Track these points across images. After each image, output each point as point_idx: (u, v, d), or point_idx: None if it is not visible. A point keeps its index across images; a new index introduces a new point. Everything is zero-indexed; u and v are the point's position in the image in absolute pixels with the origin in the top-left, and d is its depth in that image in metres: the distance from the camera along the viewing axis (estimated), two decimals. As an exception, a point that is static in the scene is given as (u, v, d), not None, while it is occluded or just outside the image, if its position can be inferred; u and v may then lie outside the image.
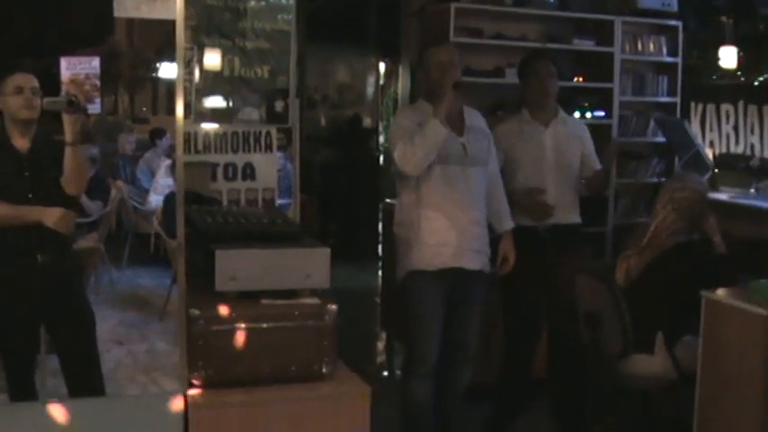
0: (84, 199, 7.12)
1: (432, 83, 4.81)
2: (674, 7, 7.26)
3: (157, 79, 15.23)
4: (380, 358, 7.47)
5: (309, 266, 3.49)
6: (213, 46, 4.57)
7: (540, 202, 5.25)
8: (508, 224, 5.06)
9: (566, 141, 5.40)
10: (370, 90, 12.66)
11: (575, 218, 5.46)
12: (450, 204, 4.73)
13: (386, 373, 6.97)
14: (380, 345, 7.72)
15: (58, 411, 3.31)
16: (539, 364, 5.49)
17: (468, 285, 4.82)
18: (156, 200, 9.91)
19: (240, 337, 3.36)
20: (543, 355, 5.50)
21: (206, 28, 4.51)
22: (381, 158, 12.15)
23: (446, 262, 4.73)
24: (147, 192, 10.62)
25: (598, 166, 5.49)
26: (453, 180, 4.74)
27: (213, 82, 4.57)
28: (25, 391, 4.58)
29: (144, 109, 16.16)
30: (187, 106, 4.34)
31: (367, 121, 12.49)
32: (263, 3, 4.61)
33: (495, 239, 5.02)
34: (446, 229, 4.72)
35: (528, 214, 5.26)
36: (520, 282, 5.12)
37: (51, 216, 4.37)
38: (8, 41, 3.40)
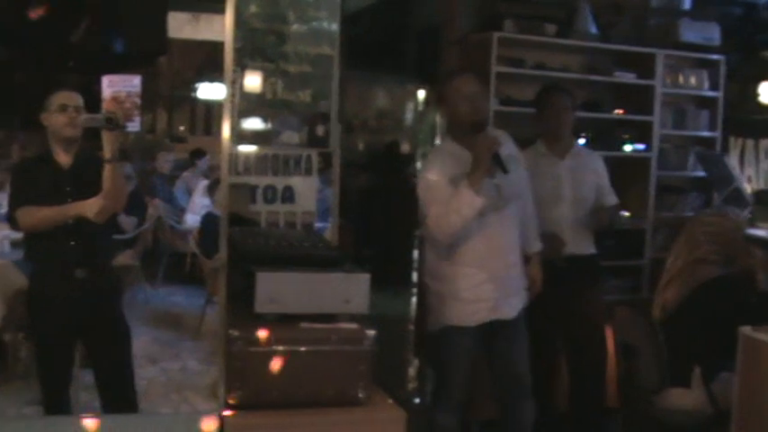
0: (121, 215, 7.17)
1: (457, 118, 4.55)
2: (717, 41, 7.24)
3: (196, 99, 15.34)
4: (412, 384, 7.46)
5: (349, 291, 3.51)
6: (257, 69, 4.59)
7: (553, 237, 5.24)
8: (536, 246, 4.95)
9: (581, 173, 5.42)
10: (408, 116, 12.67)
11: (590, 249, 5.48)
12: (486, 257, 4.56)
13: (418, 400, 6.96)
14: (412, 371, 7.70)
15: (94, 426, 3.33)
16: (560, 397, 5.48)
17: (510, 328, 4.68)
18: (192, 219, 9.96)
19: (278, 360, 3.37)
20: (565, 387, 5.49)
21: (250, 51, 4.54)
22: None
23: (484, 317, 4.58)
24: (183, 211, 10.68)
25: (612, 199, 5.53)
26: (489, 230, 4.53)
27: (255, 104, 4.60)
28: (60, 404, 4.60)
29: (182, 128, 16.28)
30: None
31: (405, 148, 12.49)
32: (306, 27, 4.64)
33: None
34: (483, 283, 4.56)
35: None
36: (537, 313, 5.11)
37: (91, 208, 4.38)
38: (63, 58, 3.45)
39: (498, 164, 4.39)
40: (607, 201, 5.53)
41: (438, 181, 4.48)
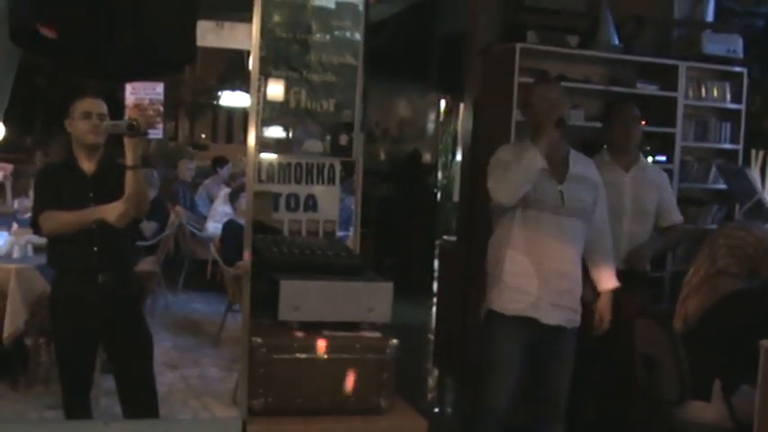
0: (143, 221, 7.21)
1: (537, 120, 4.60)
2: (740, 54, 7.22)
3: (218, 107, 15.40)
4: (431, 394, 7.47)
5: (372, 300, 3.52)
6: (280, 77, 4.60)
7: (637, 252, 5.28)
8: (608, 283, 4.88)
9: (645, 188, 5.41)
10: (430, 126, 12.68)
11: (645, 265, 5.48)
12: (536, 251, 4.56)
13: (437, 410, 6.96)
14: (432, 381, 7.71)
15: (117, 430, 3.35)
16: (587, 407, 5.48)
17: (556, 341, 4.64)
18: (213, 227, 9.99)
19: (301, 367, 3.38)
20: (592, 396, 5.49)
21: (274, 59, 4.55)
22: (439, 195, 12.14)
23: (522, 310, 4.55)
24: (204, 218, 10.71)
25: (676, 217, 5.52)
26: (545, 227, 4.55)
27: (279, 113, 4.60)
28: (81, 409, 4.62)
29: (203, 136, 16.34)
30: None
31: (426, 157, 12.50)
32: (329, 37, 4.65)
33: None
34: (528, 275, 4.55)
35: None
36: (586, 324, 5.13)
37: (112, 212, 4.40)
38: (91, 66, 3.46)
39: (561, 125, 4.54)
40: (671, 218, 5.53)
41: (503, 156, 4.63)
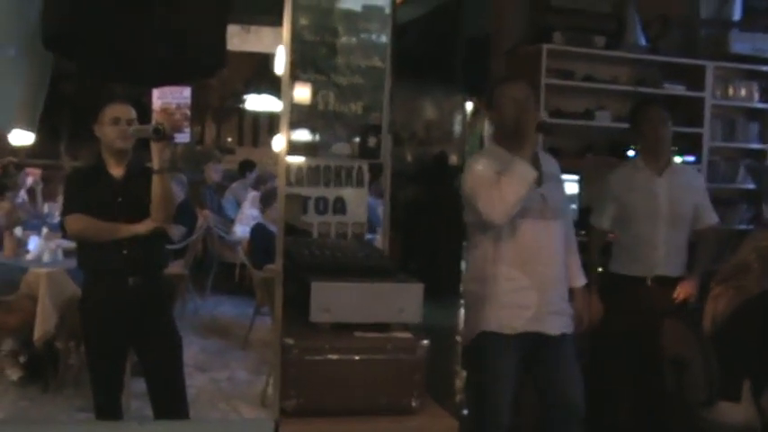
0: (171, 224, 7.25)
1: (506, 123, 4.38)
2: (767, 53, 7.20)
3: (244, 111, 15.43)
4: (459, 396, 7.46)
5: (403, 301, 3.52)
6: (308, 81, 4.62)
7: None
8: (580, 280, 4.73)
9: (680, 191, 5.33)
10: (456, 128, 12.66)
11: (681, 270, 5.39)
12: (530, 262, 4.36)
13: (466, 411, 6.95)
14: (459, 382, 7.70)
15: (150, 431, 3.39)
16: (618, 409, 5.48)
17: (557, 346, 4.45)
18: (241, 230, 10.02)
19: (332, 368, 3.39)
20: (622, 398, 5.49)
21: (301, 63, 4.56)
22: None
23: (525, 326, 4.35)
24: (232, 222, 10.75)
25: (712, 218, 5.46)
26: (533, 235, 4.36)
27: (307, 116, 4.62)
28: (111, 411, 4.65)
29: (229, 140, 16.39)
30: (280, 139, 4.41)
31: (453, 159, 12.47)
32: (356, 40, 4.66)
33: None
34: (526, 289, 4.34)
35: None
36: (618, 328, 5.15)
37: (142, 229, 4.51)
38: (122, 71, 3.50)
39: (543, 129, 4.45)
40: (706, 220, 5.46)
41: (485, 171, 4.32)
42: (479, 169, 4.38)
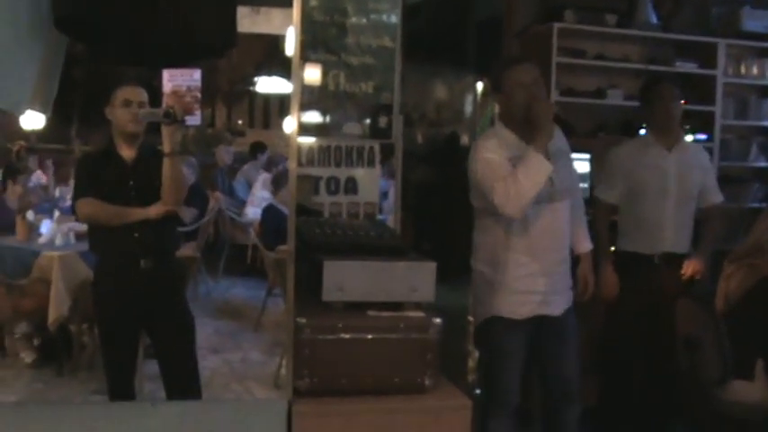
0: (182, 206, 7.25)
1: (514, 110, 4.27)
2: (779, 30, 7.18)
3: (254, 93, 15.40)
4: (472, 376, 7.47)
5: (416, 280, 3.53)
6: (319, 61, 4.62)
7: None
8: (586, 246, 4.75)
9: (688, 169, 5.29)
10: (467, 108, 12.64)
11: (688, 247, 5.36)
12: (540, 248, 4.35)
13: (478, 391, 6.96)
14: (472, 362, 7.71)
15: (164, 412, 3.40)
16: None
17: (560, 324, 4.49)
18: (252, 212, 10.02)
19: (345, 348, 3.40)
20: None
21: (312, 43, 4.56)
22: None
23: (533, 310, 4.38)
24: (243, 203, 10.75)
25: (717, 197, 5.42)
26: (544, 221, 4.32)
27: (318, 96, 4.62)
28: (125, 393, 4.65)
29: (240, 122, 16.38)
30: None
31: (464, 140, 12.46)
32: (366, 20, 4.66)
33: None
34: (536, 275, 4.35)
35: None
36: (629, 307, 5.16)
37: (153, 212, 4.50)
38: (134, 52, 3.50)
39: (559, 123, 4.38)
40: (712, 199, 5.42)
41: (497, 158, 4.22)
42: (490, 157, 4.26)
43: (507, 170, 4.13)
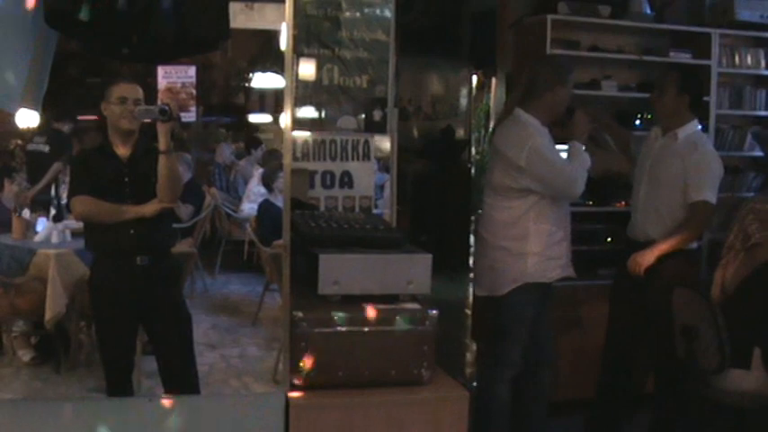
0: (179, 203, 7.24)
1: (559, 107, 4.89)
2: (774, 20, 7.16)
3: (249, 89, 15.37)
4: (470, 370, 7.47)
5: (411, 272, 3.54)
6: (312, 55, 4.61)
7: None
8: None
9: (664, 156, 5.18)
10: (463, 102, 12.64)
11: (656, 235, 5.17)
12: (563, 217, 4.90)
13: (476, 384, 6.97)
14: (470, 356, 7.72)
15: (162, 408, 3.40)
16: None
17: (550, 291, 5.00)
18: (249, 208, 9.99)
19: (342, 340, 3.40)
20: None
21: (306, 38, 4.56)
22: (473, 170, 12.09)
23: (559, 273, 4.89)
24: (240, 199, 10.73)
25: (698, 196, 5.07)
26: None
27: (312, 90, 4.62)
28: (123, 390, 4.66)
29: (236, 118, 16.33)
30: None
31: (459, 133, 12.46)
32: (360, 14, 4.65)
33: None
34: (558, 242, 4.85)
35: None
36: (617, 293, 5.35)
37: (148, 210, 4.49)
38: (126, 47, 3.50)
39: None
40: (692, 196, 5.07)
41: (548, 144, 4.80)
42: (545, 143, 4.78)
43: (562, 157, 4.85)
